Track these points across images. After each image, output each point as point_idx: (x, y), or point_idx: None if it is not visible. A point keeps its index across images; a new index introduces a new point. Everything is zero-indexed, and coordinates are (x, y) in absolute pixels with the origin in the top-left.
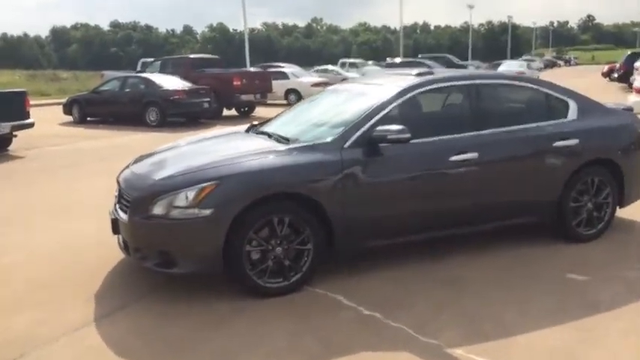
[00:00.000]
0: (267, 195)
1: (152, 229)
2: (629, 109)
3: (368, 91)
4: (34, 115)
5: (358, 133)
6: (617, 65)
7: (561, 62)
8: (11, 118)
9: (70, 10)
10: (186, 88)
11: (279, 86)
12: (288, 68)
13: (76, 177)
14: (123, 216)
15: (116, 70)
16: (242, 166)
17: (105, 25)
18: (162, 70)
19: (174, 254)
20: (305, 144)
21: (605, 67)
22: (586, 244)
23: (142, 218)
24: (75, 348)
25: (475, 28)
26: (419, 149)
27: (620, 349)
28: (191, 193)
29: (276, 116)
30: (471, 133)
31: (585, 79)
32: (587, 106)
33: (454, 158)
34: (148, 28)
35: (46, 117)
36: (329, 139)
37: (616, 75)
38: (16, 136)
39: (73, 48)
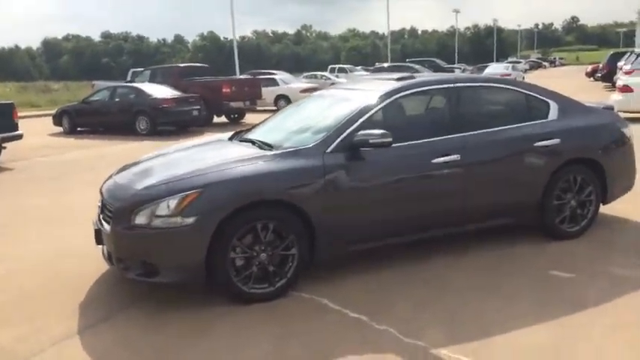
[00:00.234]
0: (250, 202)
1: (135, 239)
2: (610, 108)
3: (350, 96)
4: (25, 126)
5: (340, 138)
6: (601, 65)
7: (546, 63)
8: (0, 130)
9: (62, 22)
10: (176, 97)
11: (268, 93)
12: (277, 75)
13: (64, 188)
14: (106, 226)
15: (107, 80)
16: (224, 173)
17: (96, 36)
18: (152, 79)
19: (157, 264)
20: (287, 150)
21: (589, 68)
22: (571, 242)
23: (124, 228)
24: None
25: (461, 32)
26: (401, 153)
27: (606, 344)
28: (173, 202)
29: (260, 123)
30: (453, 136)
31: (569, 80)
32: (568, 106)
33: (436, 161)
34: (140, 38)
35: (37, 128)
36: (311, 145)
37: (599, 75)
38: (4, 147)
39: (65, 59)
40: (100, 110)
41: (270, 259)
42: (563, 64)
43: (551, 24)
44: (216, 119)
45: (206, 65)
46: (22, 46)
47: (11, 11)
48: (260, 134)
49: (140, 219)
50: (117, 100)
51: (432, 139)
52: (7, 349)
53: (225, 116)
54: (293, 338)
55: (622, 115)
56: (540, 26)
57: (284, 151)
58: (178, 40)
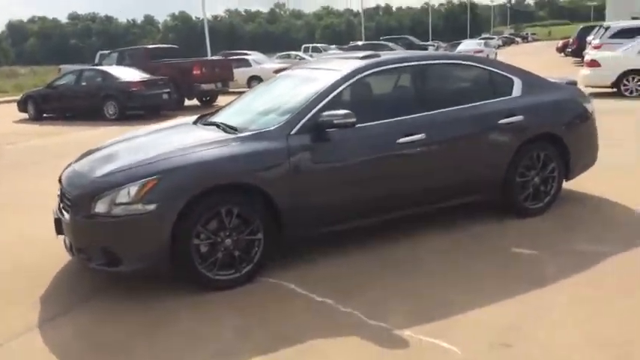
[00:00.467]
0: (213, 187)
1: (95, 227)
2: (573, 83)
3: (315, 75)
4: None
5: (304, 120)
6: (571, 40)
7: (519, 39)
8: None
9: (27, 4)
10: (144, 80)
11: (241, 74)
12: (250, 55)
13: (28, 176)
14: (66, 216)
15: (77, 63)
16: (185, 158)
17: (63, 18)
18: (120, 62)
19: (119, 252)
20: (251, 133)
21: (560, 43)
22: (535, 219)
23: (84, 217)
24: (15, 355)
25: (436, 9)
26: (366, 133)
27: (565, 319)
28: (133, 189)
29: (225, 106)
30: (418, 115)
31: (540, 56)
32: (531, 82)
33: (402, 140)
34: (108, 19)
35: (1, 114)
36: (274, 127)
37: (569, 50)
38: None
39: (31, 42)
40: (67, 95)
41: (236, 244)
42: (535, 40)
43: None
44: (187, 102)
45: (175, 46)
46: None
47: None
48: (225, 117)
49: (100, 207)
50: (83, 84)
51: (397, 119)
52: None
53: (197, 99)
54: (257, 325)
55: (590, 90)
56: (513, 1)
57: (247, 134)
58: (148, 20)
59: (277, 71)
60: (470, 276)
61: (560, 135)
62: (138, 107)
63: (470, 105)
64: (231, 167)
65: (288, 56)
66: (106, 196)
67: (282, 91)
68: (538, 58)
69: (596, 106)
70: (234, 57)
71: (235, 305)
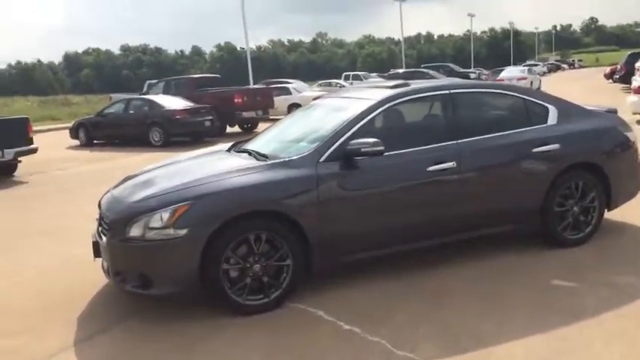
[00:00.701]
0: (242, 213)
1: (129, 251)
2: (613, 111)
3: (346, 104)
4: (44, 139)
5: (333, 148)
6: (619, 66)
7: (565, 66)
8: (15, 145)
9: (82, 36)
10: (188, 108)
11: (282, 101)
12: (290, 83)
13: (74, 201)
14: (103, 239)
15: (127, 92)
16: (216, 185)
17: (116, 49)
18: (166, 90)
19: (152, 276)
20: (280, 160)
21: (608, 69)
22: (575, 249)
23: (119, 240)
24: None
25: (478, 36)
26: (395, 161)
27: (602, 356)
28: (165, 214)
29: (259, 133)
30: (448, 143)
31: (587, 81)
32: (568, 110)
33: (432, 168)
34: (158, 50)
35: (55, 141)
36: (303, 155)
37: (617, 76)
38: (20, 161)
39: (86, 72)
40: (115, 122)
41: (265, 270)
42: (582, 66)
43: (570, 25)
44: (229, 129)
45: (218, 76)
46: (45, 60)
47: (33, 27)
48: (257, 145)
49: (134, 231)
50: (131, 112)
51: (426, 147)
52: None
53: (239, 126)
54: (283, 351)
55: (638, 117)
56: (558, 28)
57: (276, 161)
58: (196, 51)
59: (316, 99)
60: (503, 307)
61: (599, 164)
62: (182, 134)
63: (502, 133)
64: (260, 194)
65: (329, 84)
66: (140, 220)
67: (313, 119)
68: (585, 84)
69: None
70: (276, 85)
71: (263, 329)
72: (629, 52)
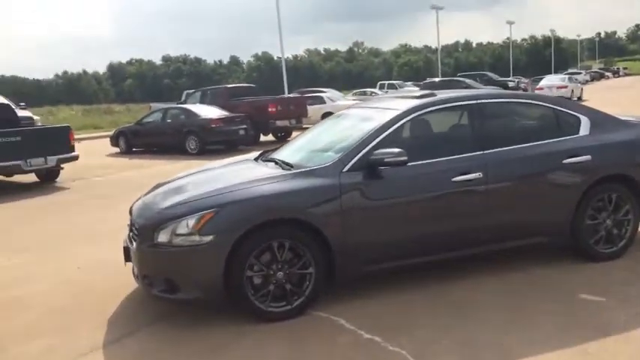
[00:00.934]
0: (265, 221)
1: (157, 256)
2: None
3: (372, 114)
4: (86, 147)
5: (357, 157)
6: None
7: (609, 74)
8: (57, 152)
9: (125, 47)
10: (223, 117)
11: (316, 110)
12: (324, 93)
13: (111, 206)
14: (133, 244)
15: (166, 101)
16: (241, 193)
17: (157, 60)
18: (202, 100)
19: (178, 281)
20: (304, 169)
21: None
22: (607, 263)
23: (148, 246)
24: None
25: (518, 44)
26: (419, 171)
27: None
28: (191, 221)
29: (286, 143)
30: (475, 153)
31: (632, 90)
32: (601, 120)
33: (457, 179)
34: (197, 60)
35: (96, 149)
36: (327, 164)
37: None
38: (62, 168)
39: (129, 82)
40: (153, 131)
41: (288, 277)
42: (627, 74)
43: (614, 32)
44: (263, 137)
45: (253, 85)
46: (90, 71)
47: (80, 39)
48: (284, 154)
49: (162, 237)
50: (169, 121)
51: (452, 157)
52: (36, 359)
53: (272, 134)
54: (302, 358)
55: None
56: (602, 35)
57: (301, 170)
58: (234, 61)
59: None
60: (529, 320)
61: (633, 176)
62: (217, 142)
63: (531, 144)
64: (284, 203)
65: (364, 93)
66: (167, 226)
67: (340, 128)
68: (630, 92)
69: None
70: (310, 94)
71: (285, 336)
72: None
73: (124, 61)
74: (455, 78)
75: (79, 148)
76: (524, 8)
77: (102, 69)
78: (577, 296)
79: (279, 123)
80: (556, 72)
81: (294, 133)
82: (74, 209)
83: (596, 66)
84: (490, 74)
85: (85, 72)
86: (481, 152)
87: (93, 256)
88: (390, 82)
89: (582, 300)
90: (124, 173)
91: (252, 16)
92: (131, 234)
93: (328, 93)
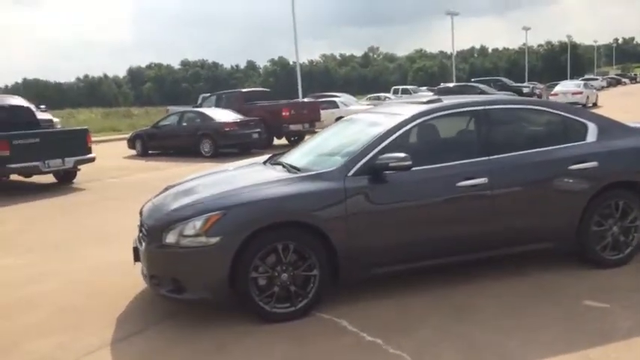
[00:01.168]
0: (271, 223)
1: (165, 257)
2: None
3: (379, 119)
4: (104, 149)
5: (362, 162)
6: None
7: (626, 80)
8: (75, 154)
9: (145, 52)
10: (237, 121)
11: (329, 115)
12: (338, 97)
13: (125, 208)
14: (143, 245)
15: (183, 105)
16: (247, 196)
17: (176, 64)
18: (217, 104)
19: (184, 281)
20: (310, 173)
21: None
22: (612, 270)
23: (156, 247)
24: None
25: (534, 49)
26: (424, 176)
27: None
28: (198, 223)
29: (295, 147)
30: (480, 159)
31: None
32: (608, 127)
33: (462, 184)
34: (215, 64)
35: (114, 151)
36: (333, 168)
37: None
38: (79, 169)
39: (148, 86)
40: (169, 134)
41: (292, 279)
42: None
43: (632, 38)
44: (276, 141)
45: (267, 89)
46: (110, 74)
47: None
48: (292, 158)
49: (170, 238)
50: (184, 124)
51: (457, 162)
52: (47, 356)
53: (286, 138)
54: (304, 359)
55: None
56: (620, 41)
57: (307, 174)
58: (250, 65)
59: None
60: (531, 325)
61: None
62: (230, 145)
63: (537, 150)
64: (289, 205)
65: (378, 98)
66: (175, 228)
67: (347, 133)
68: None
69: None
70: (324, 99)
71: (288, 337)
72: None
73: (143, 65)
74: (469, 83)
75: (97, 150)
76: (540, 14)
77: (122, 73)
78: (581, 302)
79: (292, 127)
80: (572, 78)
81: (307, 137)
82: (88, 210)
83: (613, 72)
84: (504, 80)
85: (105, 76)
86: (487, 157)
87: (104, 257)
88: (404, 87)
89: (586, 306)
90: (139, 175)
91: (269, 22)
92: (141, 235)
93: (342, 98)
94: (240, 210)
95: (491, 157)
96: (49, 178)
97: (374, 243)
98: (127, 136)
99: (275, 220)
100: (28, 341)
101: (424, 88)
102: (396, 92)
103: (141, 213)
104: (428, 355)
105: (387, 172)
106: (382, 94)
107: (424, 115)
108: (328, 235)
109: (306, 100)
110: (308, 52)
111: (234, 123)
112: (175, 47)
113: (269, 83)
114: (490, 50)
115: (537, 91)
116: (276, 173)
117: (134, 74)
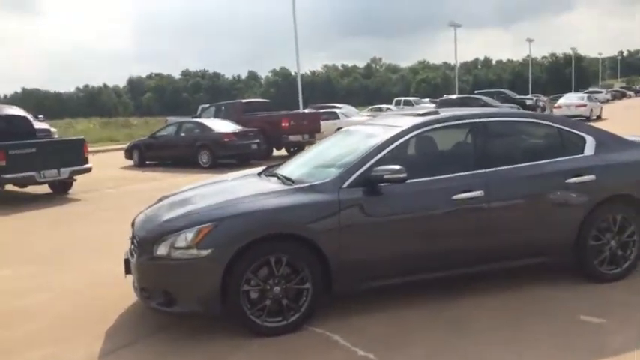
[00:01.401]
0: (263, 235)
1: (156, 269)
2: None
3: (375, 131)
4: (101, 159)
5: (357, 174)
6: None
7: (631, 92)
8: (71, 164)
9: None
10: (236, 131)
11: (330, 126)
12: (339, 108)
13: (121, 219)
14: (134, 257)
15: (183, 115)
16: (240, 207)
17: (176, 74)
18: (217, 114)
19: (175, 294)
20: (304, 185)
21: None
22: (609, 284)
23: (147, 259)
24: None
25: (538, 61)
26: (419, 188)
27: None
28: (190, 235)
29: (290, 158)
30: (476, 171)
31: None
32: (607, 141)
33: (458, 197)
34: (215, 74)
35: (111, 161)
36: (327, 180)
37: None
38: (75, 180)
39: (148, 96)
40: (167, 144)
41: (285, 292)
42: None
43: (638, 51)
44: (276, 152)
45: (267, 100)
46: (110, 84)
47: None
48: (287, 169)
49: (161, 250)
50: (182, 134)
51: (453, 175)
52: None
53: (285, 149)
54: None
55: None
56: (625, 54)
57: (301, 186)
58: (252, 76)
59: None
60: (526, 339)
61: (639, 197)
62: (229, 156)
63: (534, 163)
64: (282, 218)
65: (380, 109)
66: (167, 240)
67: (343, 145)
68: None
69: None
70: (324, 110)
71: (279, 351)
72: None
73: (143, 75)
74: (472, 95)
75: (94, 160)
76: (544, 26)
77: (122, 82)
78: (576, 317)
79: (291, 138)
80: (577, 90)
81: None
82: (83, 221)
83: (618, 85)
84: (507, 92)
85: (105, 85)
86: (483, 170)
87: (97, 268)
88: (407, 98)
89: (581, 321)
90: (135, 186)
91: (271, 32)
92: (132, 246)
93: (343, 109)
94: (232, 222)
95: (487, 170)
96: (45, 189)
97: (368, 256)
98: (125, 146)
99: (268, 232)
100: (18, 353)
101: (427, 99)
102: (398, 103)
103: (133, 224)
104: None
105: (382, 184)
106: (384, 106)
107: (420, 128)
108: (322, 248)
109: (306, 110)
110: (310, 63)
111: (233, 134)
112: (176, 57)
113: (270, 94)
114: (494, 62)
115: (541, 104)
116: (270, 185)
117: (134, 84)
